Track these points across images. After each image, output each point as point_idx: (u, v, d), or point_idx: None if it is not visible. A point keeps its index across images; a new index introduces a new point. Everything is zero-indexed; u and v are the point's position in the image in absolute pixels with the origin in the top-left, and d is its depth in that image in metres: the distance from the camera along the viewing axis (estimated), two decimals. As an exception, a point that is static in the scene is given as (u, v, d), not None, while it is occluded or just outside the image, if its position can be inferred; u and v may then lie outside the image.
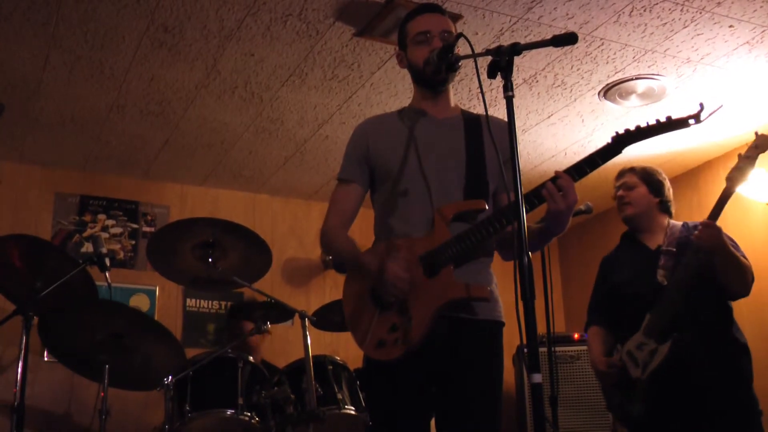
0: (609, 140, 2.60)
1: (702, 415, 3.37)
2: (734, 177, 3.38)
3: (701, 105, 2.60)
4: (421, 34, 2.81)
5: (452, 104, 2.93)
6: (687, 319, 3.37)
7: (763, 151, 3.38)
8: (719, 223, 3.38)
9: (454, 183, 2.75)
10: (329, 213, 2.90)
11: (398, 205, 2.77)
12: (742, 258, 3.45)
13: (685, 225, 3.66)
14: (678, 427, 3.41)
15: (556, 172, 2.56)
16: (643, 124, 2.59)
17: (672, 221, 3.73)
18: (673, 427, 3.42)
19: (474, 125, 2.85)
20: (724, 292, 3.52)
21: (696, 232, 3.36)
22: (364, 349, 2.71)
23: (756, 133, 3.43)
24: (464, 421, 2.62)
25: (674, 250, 3.53)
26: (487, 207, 2.70)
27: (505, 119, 2.35)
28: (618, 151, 2.57)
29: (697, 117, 2.57)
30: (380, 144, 2.86)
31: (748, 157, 3.38)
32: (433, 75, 2.78)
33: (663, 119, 2.60)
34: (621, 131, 2.60)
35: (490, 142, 2.72)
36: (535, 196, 2.56)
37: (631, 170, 3.79)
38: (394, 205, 2.79)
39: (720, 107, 2.77)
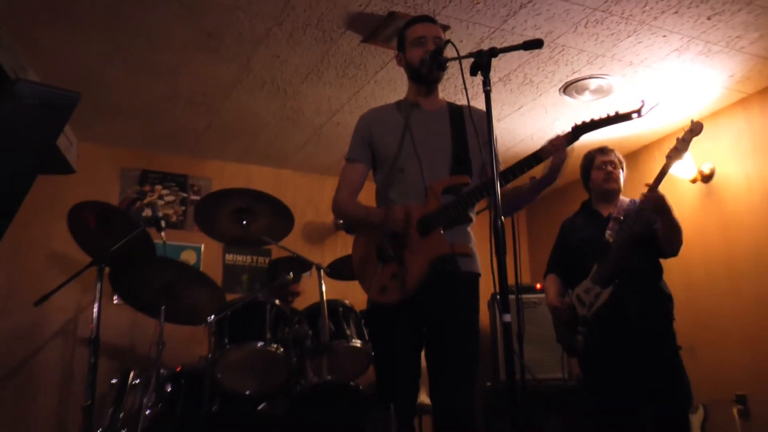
0: (569, 129, 2.62)
1: (632, 347, 3.41)
2: (672, 155, 3.39)
3: (642, 102, 2.62)
4: (417, 39, 2.82)
5: (440, 98, 2.93)
6: (626, 270, 3.41)
7: (697, 135, 3.37)
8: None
9: (442, 162, 2.77)
10: (340, 186, 2.91)
11: (396, 180, 2.80)
12: (677, 220, 3.46)
13: (632, 201, 3.66)
14: (612, 356, 3.46)
15: (556, 137, 2.65)
16: (596, 117, 2.61)
17: (622, 196, 3.74)
18: (609, 356, 3.47)
19: (458, 115, 2.86)
20: (658, 251, 3.54)
21: (643, 195, 3.37)
22: (369, 294, 2.74)
23: (692, 121, 3.41)
24: (451, 349, 2.66)
25: (622, 218, 3.54)
26: (470, 181, 2.73)
27: (484, 109, 2.36)
28: (576, 138, 2.62)
29: (639, 112, 2.63)
30: (381, 130, 2.87)
31: (684, 140, 3.38)
32: (427, 72, 2.79)
33: (612, 113, 2.65)
34: (579, 122, 2.62)
35: (471, 128, 2.75)
36: (535, 158, 2.63)
37: (612, 150, 3.78)
38: (392, 180, 2.81)
39: (657, 104, 2.79)
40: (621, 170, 3.76)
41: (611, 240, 3.49)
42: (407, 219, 2.64)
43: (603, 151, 3.78)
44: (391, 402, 2.62)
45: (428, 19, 2.91)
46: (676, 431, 3.37)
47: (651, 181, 3.39)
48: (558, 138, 2.63)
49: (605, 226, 3.57)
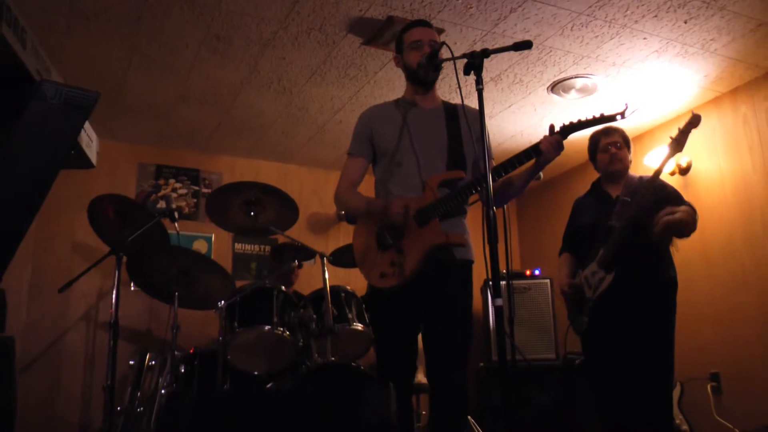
0: (557, 129, 2.63)
1: (629, 333, 3.33)
2: (673, 146, 3.31)
3: (626, 105, 2.63)
4: (414, 42, 2.81)
5: (436, 97, 2.93)
6: (627, 256, 3.30)
7: (696, 127, 3.27)
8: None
9: (438, 157, 2.77)
10: (342, 179, 2.91)
11: (394, 173, 2.80)
12: (689, 213, 3.28)
13: (641, 178, 3.52)
14: (610, 339, 3.39)
15: (551, 129, 2.65)
16: (583, 118, 2.64)
17: (630, 173, 3.61)
18: (609, 338, 3.39)
19: (452, 113, 2.87)
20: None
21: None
22: (369, 280, 2.75)
23: (692, 113, 3.30)
24: (446, 332, 2.68)
25: (629, 200, 3.39)
26: (465, 176, 2.74)
27: (476, 107, 2.37)
28: (564, 138, 2.64)
29: (623, 114, 2.63)
30: (381, 127, 2.87)
31: (684, 132, 3.28)
32: (424, 75, 2.79)
33: (598, 115, 2.66)
34: (566, 123, 2.64)
35: (465, 126, 2.77)
36: (533, 151, 2.65)
37: (616, 131, 3.62)
38: (391, 174, 2.81)
39: (638, 108, 2.77)
40: (627, 149, 3.61)
41: (616, 225, 3.36)
42: (406, 212, 2.65)
43: (607, 132, 3.62)
44: (390, 380, 2.64)
45: (424, 24, 2.90)
46: (660, 412, 3.34)
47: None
48: (555, 137, 2.63)
49: (613, 209, 3.43)
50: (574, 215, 3.79)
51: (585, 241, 3.55)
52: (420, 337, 2.80)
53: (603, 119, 2.64)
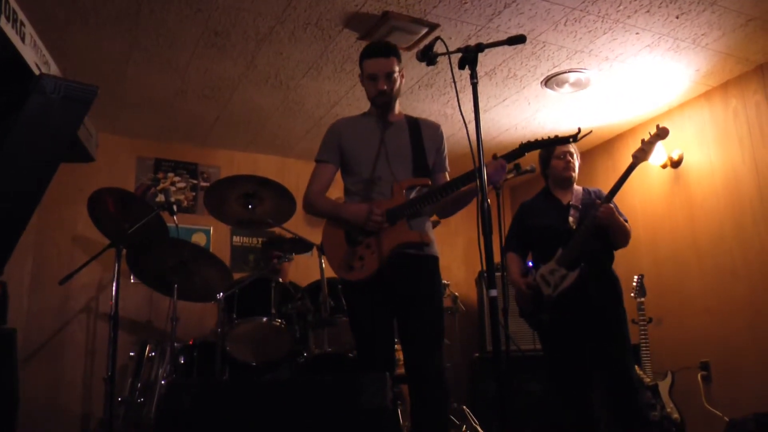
0: (517, 146, 2.78)
1: (590, 322, 3.47)
2: (638, 156, 3.46)
3: (579, 129, 2.79)
4: (370, 75, 2.92)
5: (397, 111, 3.05)
6: (587, 256, 3.46)
7: (663, 139, 3.46)
8: (624, 187, 3.45)
9: (405, 165, 2.92)
10: (311, 183, 3.04)
11: (366, 180, 2.92)
12: (625, 225, 3.55)
13: (585, 189, 3.72)
14: (572, 331, 3.51)
15: (494, 156, 2.82)
16: (539, 138, 2.79)
17: (576, 185, 3.75)
18: (569, 331, 3.52)
19: (414, 126, 3.02)
20: (612, 244, 3.60)
21: (598, 211, 3.42)
22: (338, 273, 2.88)
23: (657, 126, 3.47)
24: (421, 318, 2.81)
25: (579, 206, 3.60)
26: (430, 183, 2.92)
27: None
28: (522, 155, 2.78)
29: (575, 137, 2.80)
30: (350, 138, 3.00)
31: (650, 143, 3.46)
32: (381, 103, 2.96)
33: (552, 136, 2.83)
34: (524, 142, 2.79)
35: (427, 137, 2.98)
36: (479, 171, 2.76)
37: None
38: (361, 180, 2.94)
39: (590, 132, 2.91)
40: (577, 161, 3.76)
41: (574, 227, 3.54)
42: (383, 219, 2.77)
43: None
44: (370, 368, 2.76)
45: (382, 53, 2.92)
46: (623, 388, 3.42)
47: (620, 171, 3.44)
48: (499, 162, 2.77)
49: (567, 214, 3.60)
50: (523, 216, 3.89)
51: (539, 242, 3.69)
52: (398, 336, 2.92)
53: (558, 140, 2.81)
